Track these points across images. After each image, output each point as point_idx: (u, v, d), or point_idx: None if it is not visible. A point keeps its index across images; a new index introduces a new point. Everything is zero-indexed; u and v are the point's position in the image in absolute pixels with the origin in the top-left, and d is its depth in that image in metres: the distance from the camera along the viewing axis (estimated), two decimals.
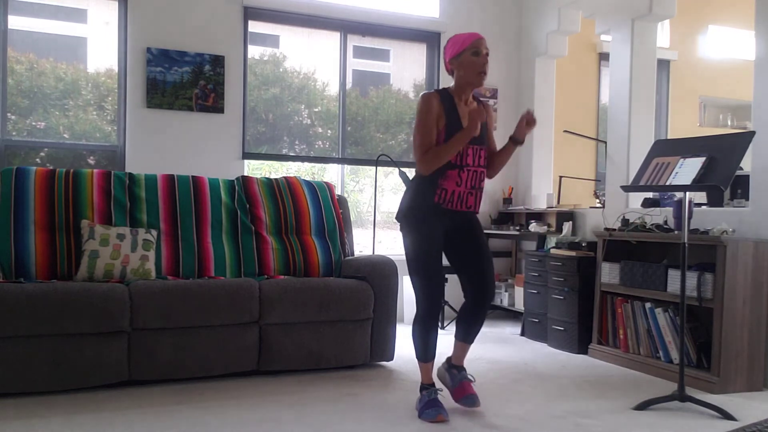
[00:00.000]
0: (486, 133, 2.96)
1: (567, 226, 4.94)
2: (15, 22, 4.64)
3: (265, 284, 3.51)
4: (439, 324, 5.15)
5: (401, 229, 2.95)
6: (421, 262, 2.87)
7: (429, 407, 2.83)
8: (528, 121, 2.92)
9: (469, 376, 3.08)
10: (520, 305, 5.27)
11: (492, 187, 5.96)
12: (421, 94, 2.88)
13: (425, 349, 2.91)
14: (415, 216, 2.89)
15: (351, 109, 5.56)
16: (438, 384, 3.01)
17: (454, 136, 2.79)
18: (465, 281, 3.02)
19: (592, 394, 3.35)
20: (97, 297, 3.11)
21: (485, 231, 5.65)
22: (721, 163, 3.01)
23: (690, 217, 3.24)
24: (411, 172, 5.63)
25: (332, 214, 4.16)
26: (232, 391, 3.23)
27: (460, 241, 2.98)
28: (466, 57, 2.83)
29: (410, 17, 5.64)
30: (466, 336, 3.06)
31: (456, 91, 2.90)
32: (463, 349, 3.09)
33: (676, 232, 3.79)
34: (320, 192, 4.22)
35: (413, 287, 2.90)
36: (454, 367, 3.10)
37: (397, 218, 2.98)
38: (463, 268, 3.01)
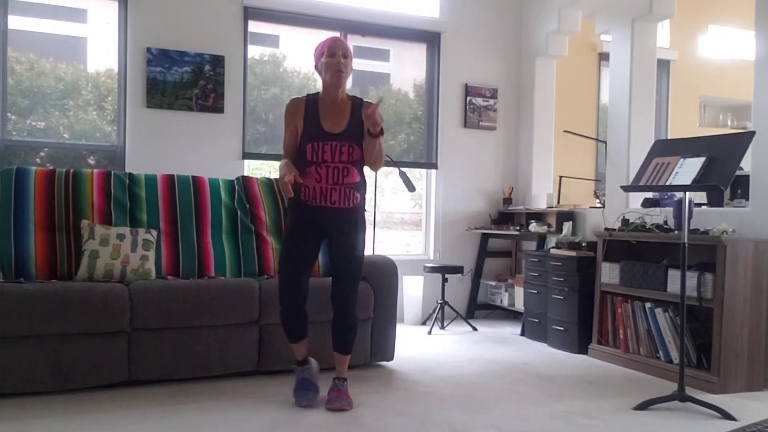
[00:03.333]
0: (357, 130, 3.01)
1: (567, 226, 4.94)
2: (15, 22, 4.64)
3: (266, 284, 3.51)
4: (440, 324, 5.16)
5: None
6: (283, 256, 3.01)
7: (299, 388, 3.06)
8: (369, 114, 2.86)
9: (339, 382, 3.09)
10: (520, 305, 5.28)
11: (492, 187, 5.97)
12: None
13: (289, 333, 3.08)
14: (289, 213, 3.06)
15: None
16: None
17: (281, 165, 2.88)
18: (331, 285, 3.08)
19: (592, 394, 3.35)
20: (97, 297, 3.11)
21: (485, 231, 5.70)
22: (721, 163, 3.01)
23: (690, 217, 3.24)
24: (411, 172, 5.63)
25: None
26: (232, 391, 3.23)
27: (331, 245, 3.06)
28: (324, 60, 2.98)
29: (410, 17, 5.64)
30: (336, 346, 3.11)
31: (323, 94, 3.05)
32: (338, 361, 3.12)
33: (676, 232, 3.79)
34: None
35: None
36: (335, 378, 3.13)
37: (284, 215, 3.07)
38: (332, 271, 3.08)
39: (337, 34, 5.48)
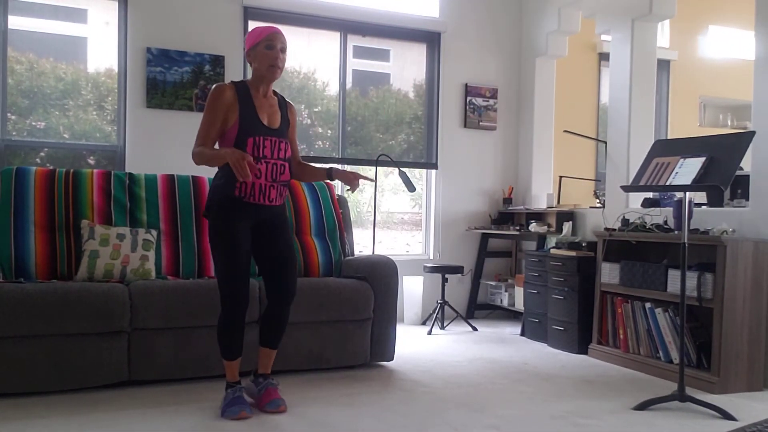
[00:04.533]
0: (287, 128, 2.95)
1: (567, 226, 4.94)
2: (15, 22, 4.64)
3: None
4: (440, 324, 5.16)
5: (209, 226, 2.86)
6: (229, 262, 2.78)
7: (232, 405, 2.81)
8: (353, 184, 2.94)
9: (274, 381, 3.02)
10: (520, 305, 5.28)
11: (492, 187, 5.97)
12: (215, 84, 2.83)
13: (229, 348, 2.87)
14: (220, 212, 2.81)
15: (351, 109, 5.56)
16: (245, 382, 3.01)
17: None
18: (266, 280, 2.96)
19: (592, 394, 3.36)
20: (97, 297, 3.11)
21: (485, 231, 5.70)
22: (721, 163, 3.01)
23: (690, 217, 3.24)
24: (411, 172, 5.64)
25: (332, 214, 4.16)
26: None
27: (265, 238, 2.92)
28: (260, 50, 2.82)
29: (410, 17, 5.65)
30: (269, 341, 3.00)
31: (253, 83, 2.89)
32: (267, 356, 3.02)
33: (676, 232, 3.79)
34: (320, 192, 4.22)
35: (218, 285, 2.83)
36: (260, 376, 3.03)
37: (204, 215, 2.90)
38: (264, 266, 2.96)
39: (336, 34, 5.49)
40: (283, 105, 3.00)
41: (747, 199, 3.83)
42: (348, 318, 3.64)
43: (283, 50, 2.87)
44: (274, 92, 3.00)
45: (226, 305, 2.82)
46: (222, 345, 2.87)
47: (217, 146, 2.87)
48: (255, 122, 2.81)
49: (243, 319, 2.86)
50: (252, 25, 5.18)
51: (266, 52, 2.82)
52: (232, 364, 2.91)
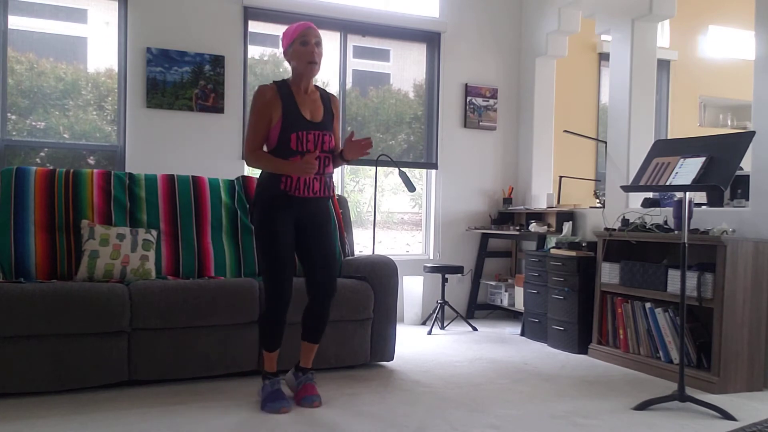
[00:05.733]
0: (330, 120, 3.01)
1: (567, 226, 4.95)
2: (15, 21, 4.64)
3: None
4: (440, 324, 5.16)
5: (252, 222, 2.96)
6: (271, 256, 2.86)
7: (272, 399, 2.90)
8: (363, 146, 2.94)
9: (311, 376, 3.11)
10: (520, 305, 5.28)
11: (492, 187, 5.97)
12: (258, 86, 2.93)
13: (271, 340, 2.96)
14: (265, 208, 2.90)
15: (351, 109, 5.56)
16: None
17: (283, 164, 2.83)
18: (307, 276, 3.02)
19: (591, 394, 3.36)
20: (97, 297, 3.11)
21: (485, 231, 5.70)
22: (721, 163, 3.01)
23: (690, 217, 3.24)
24: (411, 172, 5.64)
25: (332, 214, 4.16)
26: (233, 391, 3.23)
27: (308, 233, 2.98)
28: (296, 47, 2.89)
29: (410, 17, 5.65)
30: (310, 335, 3.08)
31: (294, 82, 2.96)
32: (309, 350, 3.11)
33: (676, 232, 3.79)
34: None
35: (263, 280, 2.91)
36: (299, 369, 3.14)
37: (249, 211, 2.97)
38: (306, 261, 3.01)
39: (336, 34, 5.49)
40: (326, 98, 3.06)
41: (747, 199, 3.83)
42: (348, 318, 3.64)
43: (318, 44, 2.93)
44: (316, 86, 3.05)
45: (269, 300, 2.89)
46: (263, 336, 2.96)
47: (264, 148, 2.96)
48: (298, 118, 2.89)
49: (285, 313, 2.93)
50: (252, 25, 5.19)
51: (302, 49, 2.88)
52: (271, 356, 2.99)
